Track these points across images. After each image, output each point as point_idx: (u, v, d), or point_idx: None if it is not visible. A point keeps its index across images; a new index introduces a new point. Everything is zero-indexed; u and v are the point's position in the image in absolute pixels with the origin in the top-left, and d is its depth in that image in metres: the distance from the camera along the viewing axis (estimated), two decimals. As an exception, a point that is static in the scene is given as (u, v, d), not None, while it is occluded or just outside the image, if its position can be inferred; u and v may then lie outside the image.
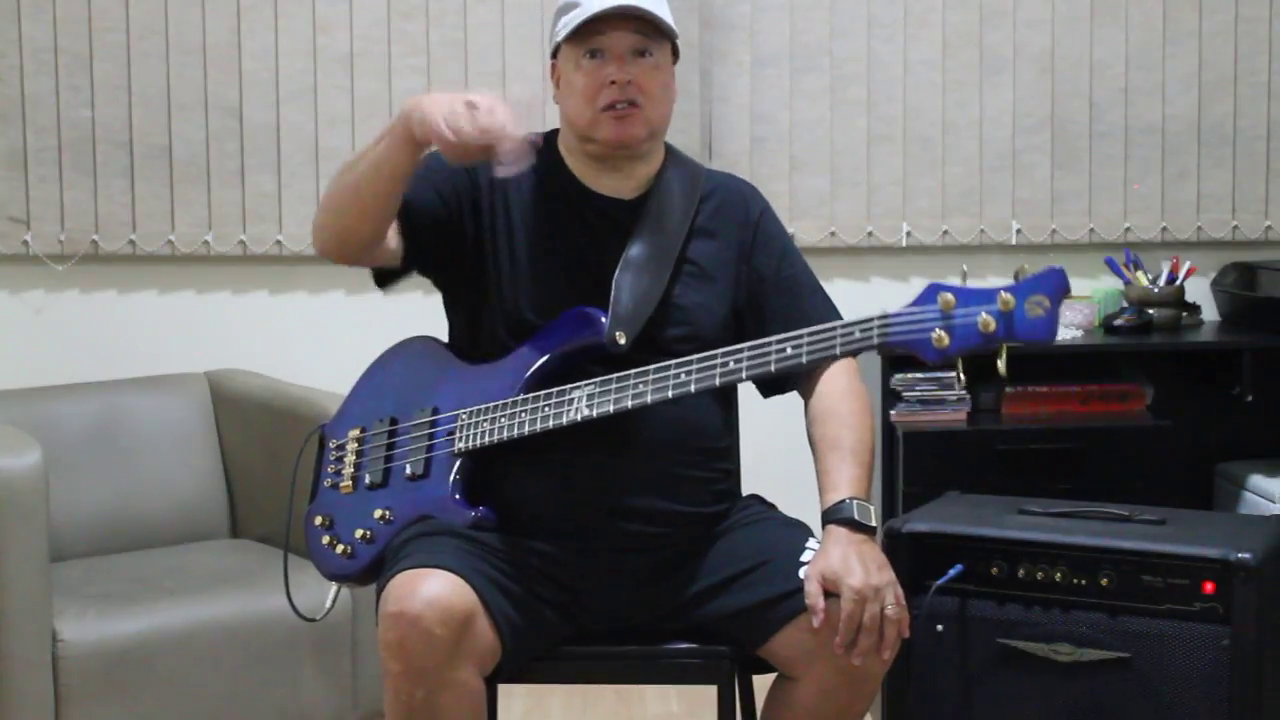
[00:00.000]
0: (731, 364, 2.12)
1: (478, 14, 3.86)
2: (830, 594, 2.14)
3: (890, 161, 3.95)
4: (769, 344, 2.11)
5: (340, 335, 3.82)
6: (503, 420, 2.25)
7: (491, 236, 2.35)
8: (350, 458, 2.41)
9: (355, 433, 2.42)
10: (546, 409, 2.22)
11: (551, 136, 2.42)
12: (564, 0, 2.34)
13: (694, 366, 2.15)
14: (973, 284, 1.99)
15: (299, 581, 2.49)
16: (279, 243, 3.85)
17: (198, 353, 3.79)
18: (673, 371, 2.16)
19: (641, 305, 2.29)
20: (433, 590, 2.09)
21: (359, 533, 2.34)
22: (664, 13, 2.31)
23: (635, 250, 2.32)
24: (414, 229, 2.31)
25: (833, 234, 3.94)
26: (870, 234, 3.95)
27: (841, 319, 2.33)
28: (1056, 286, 1.92)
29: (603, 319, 2.27)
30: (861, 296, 3.98)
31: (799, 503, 2.45)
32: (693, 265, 2.36)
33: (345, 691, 3.15)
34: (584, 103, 2.29)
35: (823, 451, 2.31)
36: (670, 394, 2.15)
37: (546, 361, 2.28)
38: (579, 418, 2.19)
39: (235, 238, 3.85)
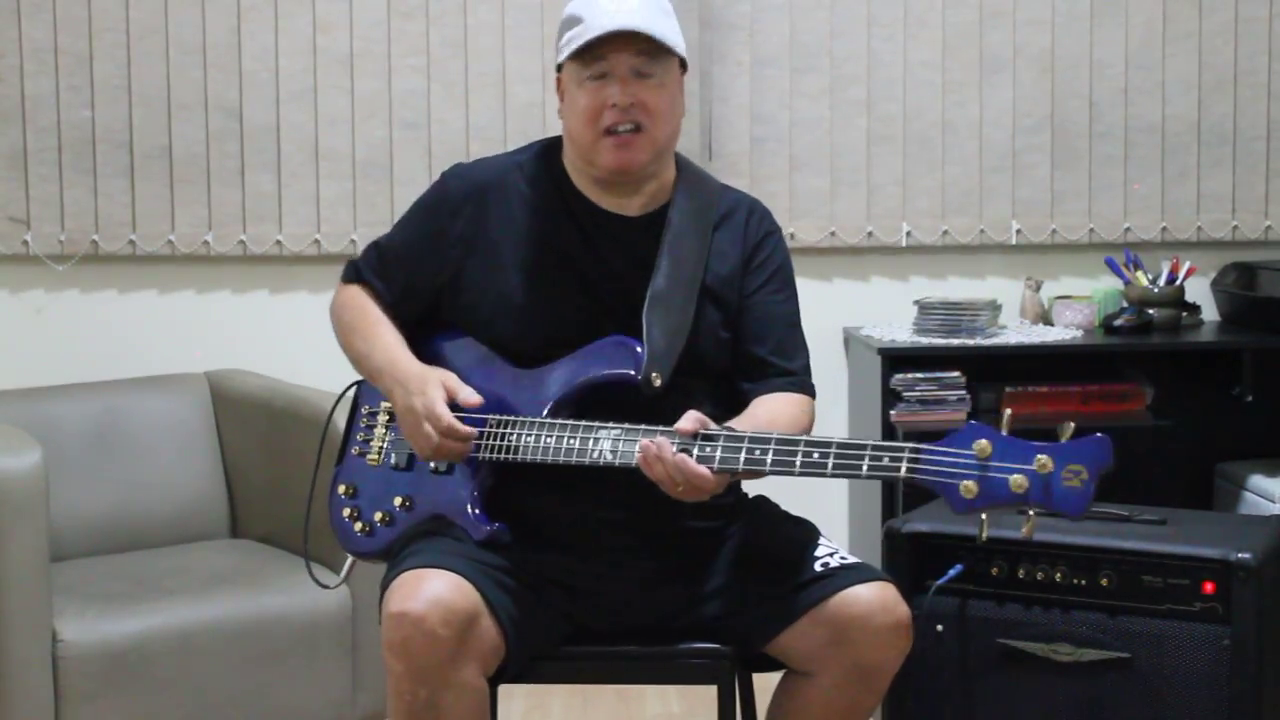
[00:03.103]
0: (758, 453, 2.08)
1: (478, 14, 3.85)
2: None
3: (890, 161, 3.94)
4: (798, 442, 2.07)
5: (340, 335, 3.81)
6: (528, 440, 2.22)
7: (489, 266, 2.33)
8: (380, 430, 2.41)
9: (388, 404, 2.37)
10: (572, 441, 2.19)
11: (555, 145, 2.39)
12: (569, 13, 2.29)
13: (720, 443, 2.10)
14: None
15: (295, 582, 2.49)
16: (279, 243, 3.85)
17: (198, 353, 3.79)
18: (698, 444, 2.11)
19: (673, 342, 2.26)
20: (436, 590, 2.10)
21: (378, 515, 2.35)
22: (668, 29, 2.26)
23: (660, 282, 2.28)
24: (407, 322, 2.41)
25: (833, 234, 3.94)
26: (870, 234, 3.94)
27: (807, 358, 2.37)
28: (1096, 458, 1.91)
29: (639, 350, 2.23)
30: (862, 296, 3.98)
31: (804, 504, 2.44)
32: (711, 294, 2.33)
33: (345, 692, 3.15)
34: (586, 124, 2.26)
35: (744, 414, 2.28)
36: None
37: (579, 389, 2.26)
38: (600, 461, 2.17)
39: (235, 238, 3.85)
